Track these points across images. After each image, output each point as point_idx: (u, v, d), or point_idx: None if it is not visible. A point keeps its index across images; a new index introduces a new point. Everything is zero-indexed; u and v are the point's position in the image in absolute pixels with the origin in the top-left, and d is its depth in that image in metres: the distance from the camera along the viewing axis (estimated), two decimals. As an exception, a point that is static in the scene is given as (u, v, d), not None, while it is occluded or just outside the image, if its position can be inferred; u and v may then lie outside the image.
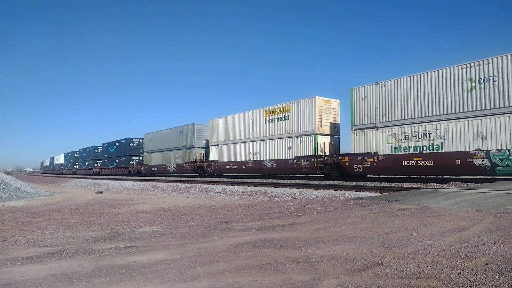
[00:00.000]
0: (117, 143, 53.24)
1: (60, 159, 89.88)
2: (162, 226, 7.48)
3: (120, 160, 51.06)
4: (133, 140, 48.92)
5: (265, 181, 23.12)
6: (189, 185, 22.53)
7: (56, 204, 14.91)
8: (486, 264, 3.39)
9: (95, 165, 62.09)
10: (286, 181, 22.50)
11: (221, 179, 27.48)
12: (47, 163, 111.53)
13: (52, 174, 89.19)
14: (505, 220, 5.53)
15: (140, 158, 47.22)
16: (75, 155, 77.81)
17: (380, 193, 12.37)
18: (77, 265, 3.88)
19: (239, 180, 25.64)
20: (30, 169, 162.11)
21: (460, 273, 3.16)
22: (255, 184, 19.98)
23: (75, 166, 76.02)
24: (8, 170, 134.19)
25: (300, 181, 21.15)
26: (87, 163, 67.71)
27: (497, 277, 3.04)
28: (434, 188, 12.68)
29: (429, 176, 18.25)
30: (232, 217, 8.21)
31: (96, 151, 63.57)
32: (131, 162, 47.64)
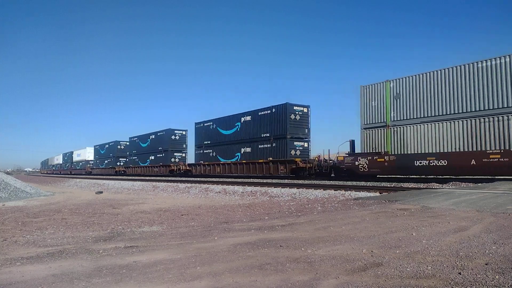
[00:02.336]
0: (246, 118, 28.08)
1: (85, 155, 66.09)
2: (162, 226, 7.48)
3: (256, 149, 26.81)
4: (295, 108, 24.96)
5: (265, 181, 22.97)
6: (189, 185, 22.52)
7: (56, 204, 14.91)
8: (486, 264, 3.39)
9: (173, 159, 38.30)
10: (286, 181, 22.36)
11: (221, 179, 27.04)
12: (57, 160, 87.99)
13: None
14: (505, 220, 5.53)
15: (305, 144, 25.18)
16: (119, 146, 52.27)
17: (380, 193, 12.38)
18: (77, 265, 3.88)
19: (239, 180, 25.41)
20: (30, 169, 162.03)
21: (460, 273, 3.16)
22: (255, 184, 19.97)
23: (118, 164, 51.16)
24: (8, 170, 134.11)
25: (300, 181, 21.02)
26: (150, 157, 42.38)
27: (497, 277, 3.04)
28: (434, 188, 12.68)
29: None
30: (232, 217, 8.21)
31: (173, 137, 39.23)
32: (293, 152, 24.32)
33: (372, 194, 12.71)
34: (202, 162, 33.03)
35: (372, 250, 4.03)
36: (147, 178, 34.46)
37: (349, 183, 18.40)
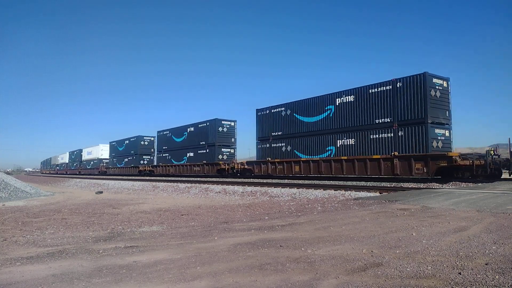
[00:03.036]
0: (345, 99, 20.49)
1: (98, 152, 57.20)
2: (162, 226, 7.48)
3: (365, 141, 19.29)
4: (434, 81, 16.99)
5: (265, 181, 22.90)
6: (189, 185, 22.52)
7: (56, 204, 14.91)
8: (486, 264, 3.39)
9: (220, 156, 30.87)
10: (286, 181, 22.22)
11: (220, 179, 26.97)
12: (61, 159, 79.00)
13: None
14: (505, 220, 5.53)
15: (446, 133, 17.43)
16: (142, 142, 44.27)
17: (380, 193, 12.37)
18: (77, 265, 3.88)
19: (239, 180, 25.38)
20: (30, 169, 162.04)
21: (460, 273, 3.16)
22: (255, 184, 19.95)
23: (142, 162, 43.46)
24: (8, 170, 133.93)
25: (300, 181, 20.91)
26: (188, 154, 34.32)
27: (497, 277, 3.04)
28: (434, 188, 12.68)
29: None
30: (232, 217, 8.21)
31: (220, 129, 31.69)
32: (434, 144, 16.61)
33: (372, 194, 12.71)
34: (269, 159, 25.34)
35: (372, 250, 4.03)
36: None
37: (349, 183, 18.37)
